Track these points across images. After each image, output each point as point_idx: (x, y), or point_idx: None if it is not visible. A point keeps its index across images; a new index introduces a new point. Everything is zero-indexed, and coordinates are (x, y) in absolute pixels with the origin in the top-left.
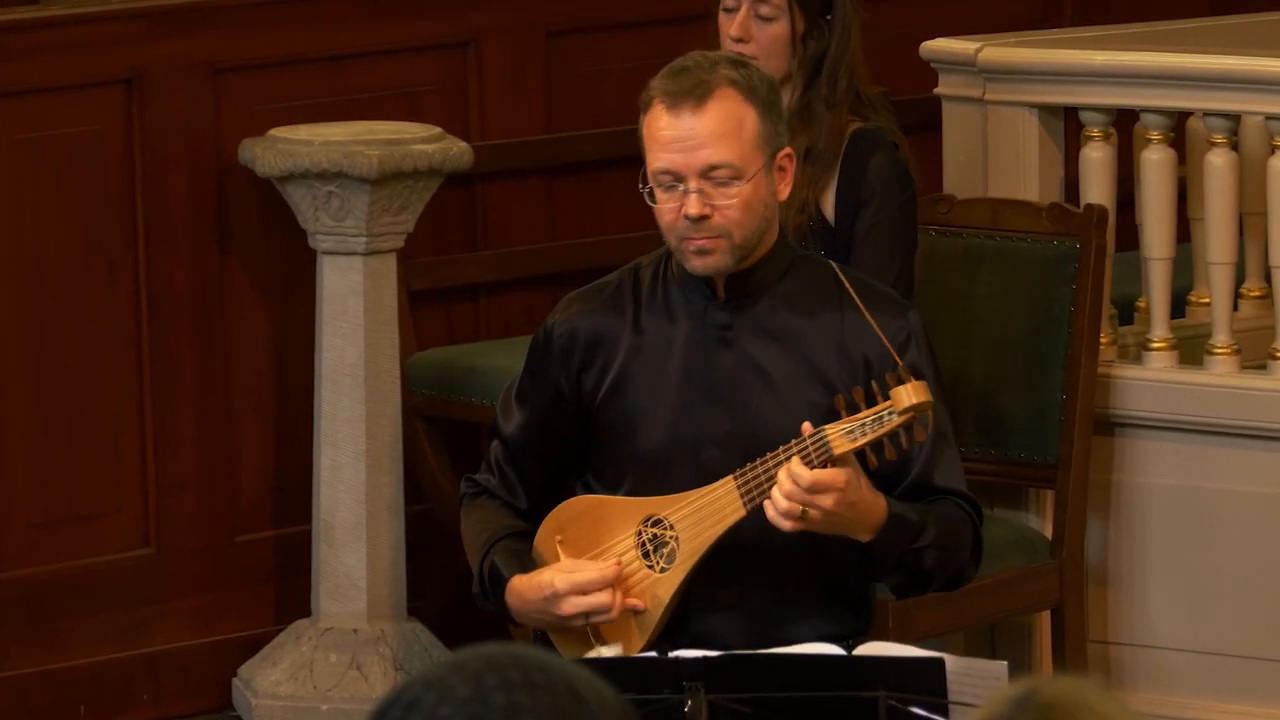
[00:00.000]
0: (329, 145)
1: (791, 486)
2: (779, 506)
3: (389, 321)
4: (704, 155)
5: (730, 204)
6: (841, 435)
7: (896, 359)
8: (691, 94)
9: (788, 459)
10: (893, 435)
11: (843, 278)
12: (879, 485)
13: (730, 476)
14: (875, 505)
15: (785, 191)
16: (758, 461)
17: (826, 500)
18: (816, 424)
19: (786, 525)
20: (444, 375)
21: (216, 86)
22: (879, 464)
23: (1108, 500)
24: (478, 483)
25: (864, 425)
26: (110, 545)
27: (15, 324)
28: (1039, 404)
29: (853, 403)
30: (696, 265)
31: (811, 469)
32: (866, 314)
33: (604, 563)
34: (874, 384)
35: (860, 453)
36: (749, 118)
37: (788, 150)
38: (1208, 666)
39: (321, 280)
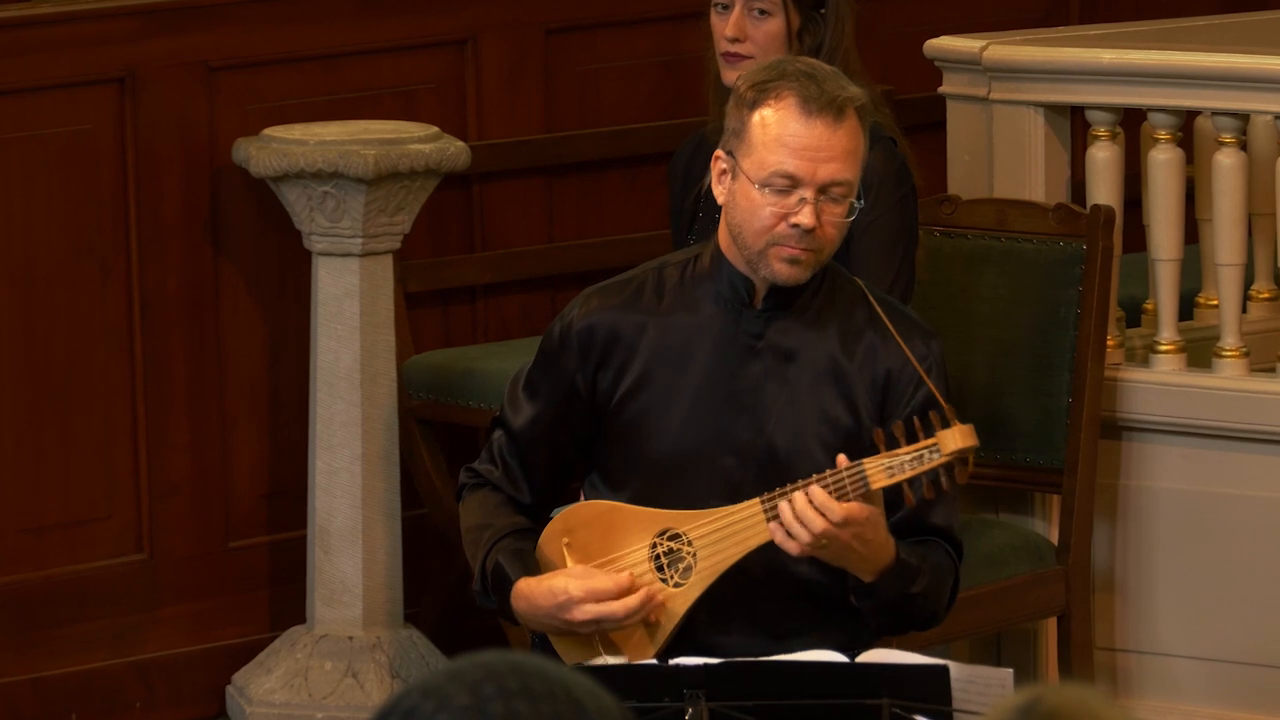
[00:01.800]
0: (324, 145)
1: (815, 515)
2: (797, 534)
3: (385, 324)
4: (830, 169)
5: (835, 222)
6: (880, 470)
7: (939, 398)
8: (831, 105)
9: (821, 488)
10: (932, 475)
11: (870, 297)
12: None
13: (757, 500)
14: (886, 547)
15: None
16: (788, 487)
17: (846, 534)
18: (835, 442)
19: (795, 550)
20: (441, 378)
21: (210, 85)
22: (916, 502)
23: (1114, 505)
24: (479, 473)
25: (904, 463)
26: (102, 551)
27: (5, 326)
28: (1045, 407)
29: (892, 437)
30: (781, 272)
31: (846, 501)
32: (897, 336)
33: (617, 572)
34: (916, 420)
35: (896, 488)
36: (863, 142)
37: None
38: (1215, 674)
39: (317, 282)
